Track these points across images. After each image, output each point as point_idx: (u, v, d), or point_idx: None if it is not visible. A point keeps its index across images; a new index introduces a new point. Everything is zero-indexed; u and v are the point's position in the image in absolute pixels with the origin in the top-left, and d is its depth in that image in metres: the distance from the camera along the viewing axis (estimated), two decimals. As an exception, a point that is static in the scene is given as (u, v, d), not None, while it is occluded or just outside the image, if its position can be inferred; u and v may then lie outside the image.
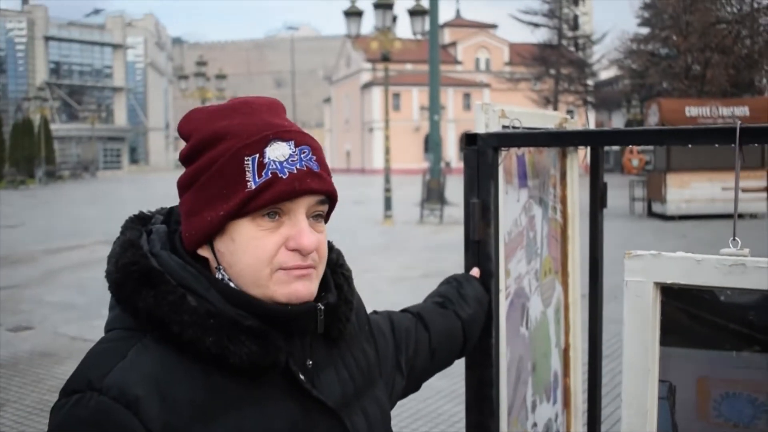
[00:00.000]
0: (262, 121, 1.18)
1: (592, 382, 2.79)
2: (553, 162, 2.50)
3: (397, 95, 66.27)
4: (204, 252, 1.18)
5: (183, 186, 1.20)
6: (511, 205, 2.10)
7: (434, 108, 24.66)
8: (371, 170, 65.94)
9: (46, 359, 7.57)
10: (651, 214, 21.08)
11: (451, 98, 67.59)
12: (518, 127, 1.99)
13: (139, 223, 1.26)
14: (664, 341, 1.60)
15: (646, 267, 1.59)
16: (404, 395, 1.59)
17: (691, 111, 20.59)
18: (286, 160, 1.14)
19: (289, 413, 1.16)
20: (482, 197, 1.81)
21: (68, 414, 1.04)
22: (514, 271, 2.13)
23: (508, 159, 2.04)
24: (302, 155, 1.16)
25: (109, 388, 1.03)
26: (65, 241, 17.68)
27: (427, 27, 23.56)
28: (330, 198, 1.21)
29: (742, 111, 20.57)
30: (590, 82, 56.35)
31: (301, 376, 1.19)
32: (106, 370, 1.06)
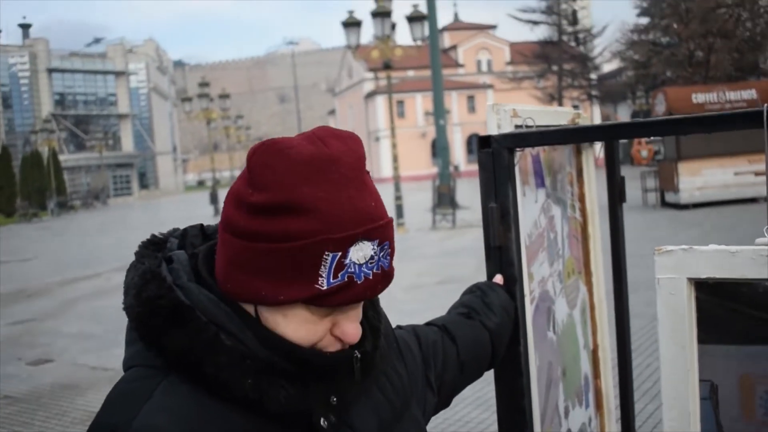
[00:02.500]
0: (350, 204, 1.03)
1: (623, 382, 2.71)
2: (568, 159, 2.43)
3: (401, 102, 66.22)
4: (245, 306, 1.09)
5: (238, 231, 1.05)
6: (530, 206, 2.03)
7: (439, 112, 24.61)
8: (380, 179, 65.83)
9: (67, 391, 7.53)
10: (664, 204, 20.91)
11: (455, 101, 67.47)
12: (531, 126, 1.92)
13: (153, 248, 1.17)
14: (701, 339, 1.53)
15: (678, 263, 1.52)
16: (435, 413, 1.52)
17: (698, 98, 20.46)
18: (366, 263, 1.04)
19: None
20: (500, 201, 1.74)
21: None
22: (538, 274, 2.06)
23: (523, 159, 1.97)
24: (381, 254, 1.06)
25: None
26: (80, 271, 17.69)
27: (426, 32, 23.52)
28: None
29: (749, 94, 20.44)
30: (593, 75, 56.13)
31: (324, 422, 1.12)
32: (133, 414, 0.99)
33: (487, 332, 1.66)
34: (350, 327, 1.09)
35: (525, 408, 1.79)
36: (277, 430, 1.07)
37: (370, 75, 70.64)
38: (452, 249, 16.15)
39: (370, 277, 1.05)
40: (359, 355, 1.14)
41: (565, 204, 2.37)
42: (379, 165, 65.93)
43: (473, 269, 12.21)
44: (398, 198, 21.33)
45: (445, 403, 1.55)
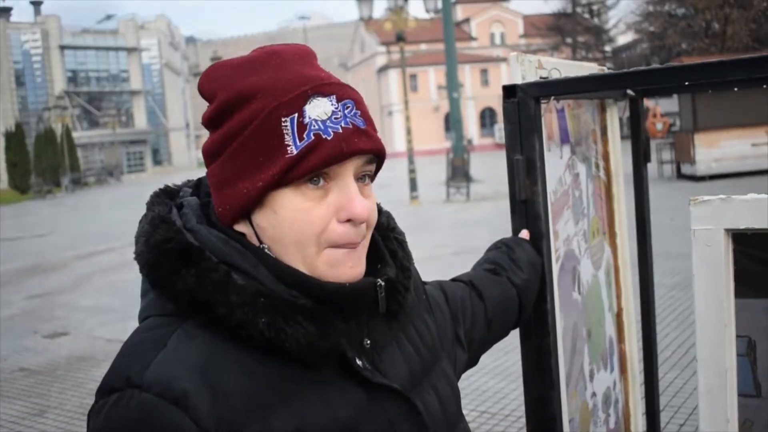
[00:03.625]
0: (296, 74, 1.03)
1: (647, 347, 2.65)
2: (592, 116, 2.35)
3: (413, 76, 65.85)
4: (242, 227, 1.05)
5: (210, 154, 1.06)
6: (555, 162, 1.96)
7: (452, 86, 24.45)
8: (393, 153, 65.63)
9: (84, 363, 7.56)
10: (680, 176, 20.74)
11: (468, 75, 67.01)
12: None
13: (166, 197, 1.13)
14: (739, 293, 1.47)
15: (715, 213, 1.45)
16: (465, 370, 1.46)
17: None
18: (329, 118, 1.00)
19: (354, 401, 1.04)
20: (526, 153, 1.67)
21: (108, 416, 0.91)
22: (563, 232, 2.00)
23: (548, 113, 1.90)
24: (346, 111, 1.02)
25: (151, 384, 0.91)
26: (95, 245, 17.75)
27: (439, 5, 23.30)
28: (378, 156, 1.08)
29: (768, 64, 20.13)
30: (608, 48, 55.63)
31: (359, 362, 1.06)
32: (146, 363, 0.93)
33: (515, 289, 1.60)
34: (353, 202, 1.02)
35: (552, 367, 1.73)
36: (303, 373, 1.01)
37: (383, 49, 70.34)
38: (466, 221, 16.07)
39: (340, 131, 1.00)
40: (383, 283, 1.08)
41: (590, 162, 2.30)
42: (392, 139, 65.78)
43: (487, 241, 11.97)
44: (412, 171, 21.23)
45: (473, 360, 1.50)
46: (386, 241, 1.19)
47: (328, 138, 0.99)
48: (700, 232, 1.46)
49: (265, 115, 0.99)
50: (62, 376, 7.17)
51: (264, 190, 0.99)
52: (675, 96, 24.52)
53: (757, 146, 18.70)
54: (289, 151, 0.98)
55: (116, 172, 68.88)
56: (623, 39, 58.32)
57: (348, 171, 1.03)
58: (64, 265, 15.16)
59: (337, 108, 1.01)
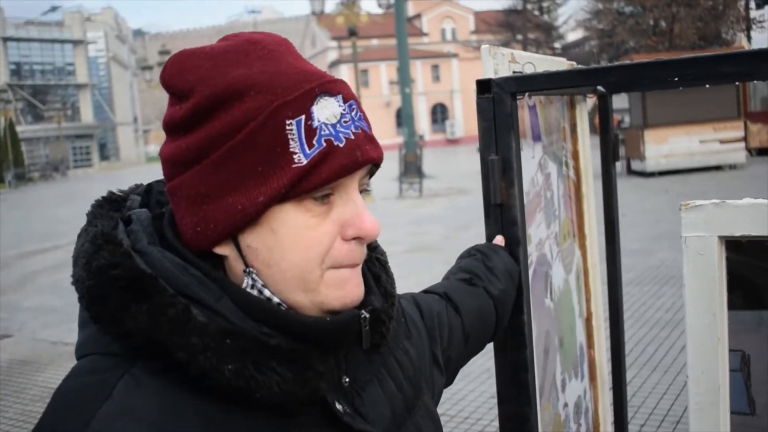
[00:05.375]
0: (292, 67, 0.88)
1: (615, 352, 2.56)
2: (562, 113, 2.25)
3: (365, 71, 65.68)
4: (224, 249, 0.88)
5: (180, 162, 0.88)
6: (527, 161, 1.84)
7: (405, 81, 24.37)
8: (345, 149, 65.49)
9: (27, 367, 7.26)
10: (630, 172, 20.95)
11: (419, 71, 67.10)
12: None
13: (110, 207, 0.95)
14: (732, 304, 1.37)
15: (708, 219, 1.35)
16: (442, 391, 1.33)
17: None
18: (339, 121, 0.86)
19: None
20: (502, 153, 1.54)
21: None
22: (535, 236, 1.89)
23: (521, 110, 1.79)
24: (353, 113, 0.88)
25: None
26: (40, 243, 17.26)
27: (392, 0, 23.18)
28: (377, 165, 0.93)
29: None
30: (558, 45, 56.12)
31: (338, 406, 0.92)
32: (86, 419, 0.77)
33: (492, 300, 1.47)
34: (362, 218, 0.89)
35: (529, 383, 1.62)
36: (277, 423, 0.86)
37: (334, 44, 69.88)
38: (420, 217, 16.00)
39: (352, 138, 0.87)
40: (367, 315, 0.93)
41: (561, 161, 2.19)
42: (344, 135, 65.53)
43: (442, 237, 12.11)
44: (364, 167, 21.08)
45: (449, 380, 1.36)
46: (369, 263, 1.05)
47: (341, 145, 0.85)
48: (692, 240, 1.36)
49: (264, 116, 0.84)
50: (3, 381, 6.88)
51: (265, 206, 0.84)
52: (624, 94, 24.85)
53: (705, 143, 18.99)
54: (296, 160, 0.83)
55: (62, 167, 67.38)
56: (573, 36, 58.98)
57: (354, 183, 0.90)
58: (7, 264, 14.69)
59: (345, 110, 0.88)
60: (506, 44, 53.82)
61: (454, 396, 5.37)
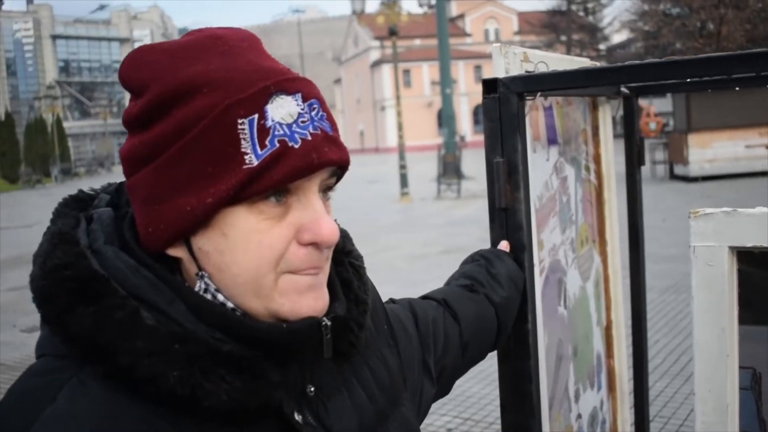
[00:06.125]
0: (251, 64, 0.84)
1: (638, 361, 2.49)
2: (583, 115, 2.18)
3: (407, 71, 65.72)
4: (177, 252, 0.85)
5: (134, 160, 0.85)
6: (541, 164, 1.78)
7: (446, 81, 24.28)
8: (385, 149, 65.53)
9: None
10: (673, 176, 20.60)
11: (462, 71, 66.91)
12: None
13: (76, 206, 0.92)
14: (744, 319, 1.30)
15: (719, 228, 1.28)
16: (434, 401, 1.27)
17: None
18: (295, 121, 0.82)
19: None
20: (507, 155, 1.49)
21: None
22: (548, 242, 1.83)
23: (534, 112, 1.73)
24: (312, 113, 0.84)
25: None
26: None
27: (433, 0, 23.11)
28: (342, 168, 0.89)
29: (762, 65, 20.02)
30: (602, 46, 55.52)
31: (298, 417, 0.87)
32: (28, 422, 0.74)
33: (493, 308, 1.41)
34: (320, 223, 0.84)
35: (532, 393, 1.56)
36: None
37: (376, 43, 70.17)
38: (457, 219, 15.91)
39: (309, 138, 0.82)
40: (329, 323, 0.88)
41: (580, 164, 2.13)
42: (385, 135, 65.70)
43: (477, 239, 12.01)
44: (402, 167, 21.03)
45: (444, 390, 1.31)
46: (339, 268, 1.00)
47: (296, 146, 0.81)
48: (701, 250, 1.29)
49: (216, 114, 0.80)
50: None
51: (214, 208, 0.81)
52: (669, 96, 24.40)
53: (751, 148, 18.59)
54: (247, 161, 0.80)
55: (107, 163, 68.45)
56: (618, 38, 58.24)
57: (313, 186, 0.85)
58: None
59: (303, 109, 0.83)
60: (550, 45, 53.40)
61: (481, 400, 5.31)
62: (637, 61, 1.39)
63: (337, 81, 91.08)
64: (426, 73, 67.62)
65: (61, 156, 55.10)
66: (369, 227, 15.25)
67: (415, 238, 13.37)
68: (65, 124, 63.29)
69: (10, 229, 20.77)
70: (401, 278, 9.12)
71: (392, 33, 22.02)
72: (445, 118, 24.80)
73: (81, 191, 0.96)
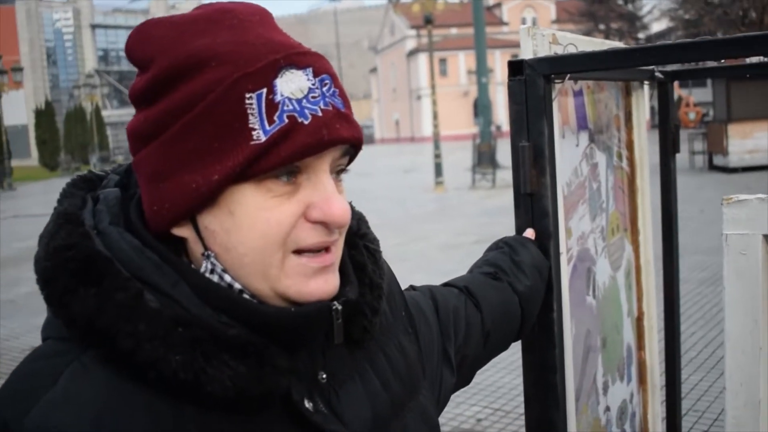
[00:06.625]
0: (260, 38, 0.81)
1: (670, 354, 2.43)
2: (615, 100, 2.12)
3: (443, 60, 65.52)
4: (183, 231, 0.82)
5: (140, 136, 0.83)
6: (569, 150, 1.74)
7: (482, 70, 24.13)
8: (421, 138, 65.39)
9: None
10: (712, 167, 20.27)
11: (498, 61, 66.34)
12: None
13: (85, 186, 0.90)
14: (778, 310, 1.24)
15: (753, 215, 1.22)
16: (454, 391, 1.24)
17: (753, 60, 19.66)
18: (305, 96, 0.79)
19: None
20: (533, 139, 1.45)
21: None
22: (577, 229, 1.78)
23: (563, 96, 1.68)
24: (324, 89, 0.81)
25: None
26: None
27: (469, -12, 22.95)
28: (355, 147, 0.86)
29: (806, 54, 19.57)
30: (642, 35, 54.73)
31: (308, 404, 0.84)
32: (28, 406, 0.73)
33: (517, 297, 1.37)
34: (330, 201, 0.81)
35: (557, 385, 1.51)
36: (233, 421, 0.80)
37: (412, 32, 69.96)
38: (491, 209, 15.80)
39: (319, 114, 0.79)
40: (339, 307, 0.85)
41: (612, 151, 2.07)
42: (420, 124, 65.57)
43: (511, 229, 11.79)
44: (437, 156, 20.95)
45: (465, 380, 1.28)
46: (353, 251, 0.96)
47: (305, 122, 0.78)
48: (734, 238, 1.24)
49: (223, 88, 0.78)
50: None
51: (220, 185, 0.78)
52: (709, 86, 23.97)
53: (792, 138, 18.21)
54: (254, 137, 0.77)
55: (144, 151, 69.31)
56: (657, 26, 57.40)
57: (324, 164, 0.82)
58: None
59: (314, 84, 0.80)
60: (587, 33, 52.59)
61: (512, 391, 5.26)
62: (668, 42, 1.33)
63: (373, 70, 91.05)
64: (462, 62, 67.30)
65: (99, 144, 55.76)
66: (403, 216, 15.23)
67: (449, 227, 13.30)
68: (104, 113, 64.08)
69: (47, 217, 21.08)
70: (434, 268, 9.09)
71: (428, 22, 21.92)
72: (481, 108, 24.66)
73: (90, 171, 0.94)
